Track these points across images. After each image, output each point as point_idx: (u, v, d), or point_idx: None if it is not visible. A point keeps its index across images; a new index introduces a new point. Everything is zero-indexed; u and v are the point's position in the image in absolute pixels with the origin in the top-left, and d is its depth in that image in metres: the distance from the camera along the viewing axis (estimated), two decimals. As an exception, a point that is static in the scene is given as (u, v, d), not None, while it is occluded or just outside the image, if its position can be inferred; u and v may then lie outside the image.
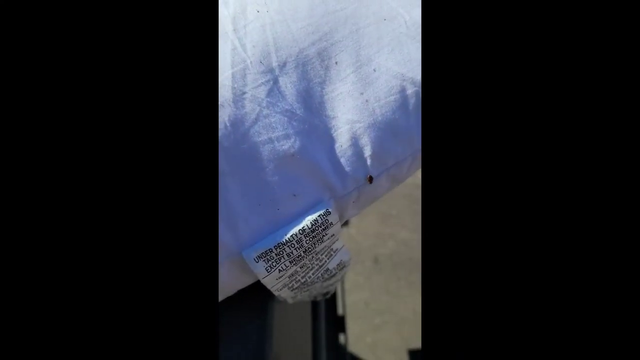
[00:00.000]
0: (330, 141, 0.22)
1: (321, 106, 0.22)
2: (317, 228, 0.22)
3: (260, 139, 0.21)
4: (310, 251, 0.23)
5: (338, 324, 0.96)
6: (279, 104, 0.21)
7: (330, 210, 0.22)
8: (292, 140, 0.21)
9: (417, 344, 1.20)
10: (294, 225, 0.22)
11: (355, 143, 0.22)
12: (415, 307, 1.26)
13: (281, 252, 0.22)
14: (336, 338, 0.90)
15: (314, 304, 0.64)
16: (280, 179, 0.21)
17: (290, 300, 0.29)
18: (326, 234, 0.23)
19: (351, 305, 1.30)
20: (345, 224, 1.09)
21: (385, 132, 0.23)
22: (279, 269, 0.23)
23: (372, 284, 1.34)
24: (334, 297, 0.98)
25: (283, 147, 0.21)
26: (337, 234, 0.24)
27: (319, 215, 0.22)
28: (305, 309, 0.57)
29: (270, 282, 0.23)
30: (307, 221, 0.22)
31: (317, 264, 0.26)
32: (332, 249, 0.26)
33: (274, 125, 0.21)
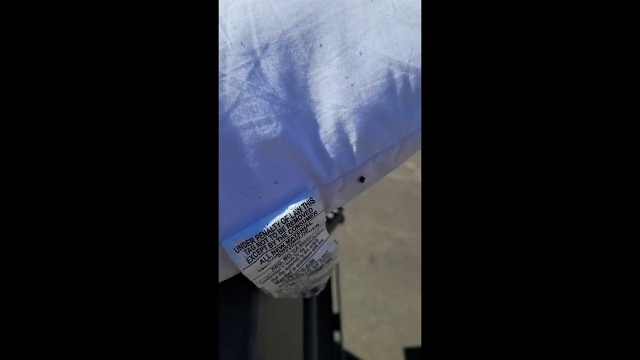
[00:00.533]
0: (314, 127, 0.21)
1: (305, 90, 0.21)
2: (300, 217, 0.21)
3: (240, 123, 0.20)
4: (293, 241, 0.22)
5: (333, 321, 0.95)
6: (260, 87, 0.20)
7: (314, 198, 0.22)
8: (274, 125, 0.21)
9: (412, 342, 1.19)
10: (277, 214, 0.21)
11: (340, 129, 0.22)
12: (411, 306, 1.26)
13: (263, 242, 0.21)
14: (331, 335, 0.89)
15: (306, 300, 0.64)
16: (262, 165, 0.21)
17: (275, 295, 0.28)
18: (310, 224, 0.22)
19: (347, 303, 1.30)
20: (341, 221, 1.08)
21: (372, 117, 0.22)
22: (261, 260, 0.22)
23: (367, 282, 1.33)
24: (329, 294, 0.98)
25: (264, 132, 0.20)
26: (321, 224, 0.23)
27: (302, 204, 0.21)
28: (297, 305, 0.56)
29: (252, 273, 0.22)
30: (290, 210, 0.21)
31: (302, 255, 0.25)
32: (317, 239, 0.25)
33: (254, 109, 0.20)
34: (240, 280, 0.26)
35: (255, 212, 0.21)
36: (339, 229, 1.44)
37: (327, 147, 0.22)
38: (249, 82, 0.20)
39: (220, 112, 0.20)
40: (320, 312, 0.95)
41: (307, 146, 0.21)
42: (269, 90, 0.21)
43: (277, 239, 0.21)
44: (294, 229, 0.22)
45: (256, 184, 0.21)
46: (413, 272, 1.33)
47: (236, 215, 0.21)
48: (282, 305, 0.42)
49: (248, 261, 0.21)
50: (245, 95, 0.20)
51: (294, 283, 0.27)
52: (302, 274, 0.27)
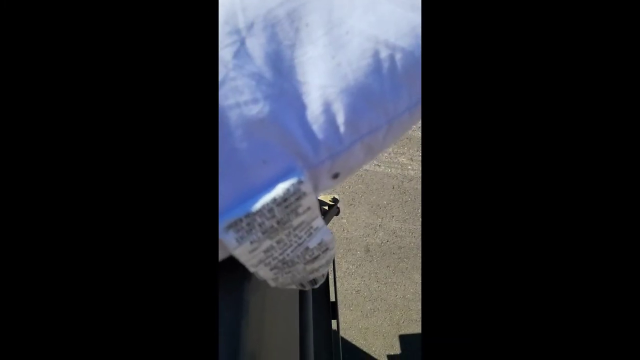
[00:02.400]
0: (301, 107, 0.21)
1: (291, 70, 0.21)
2: (289, 197, 0.22)
3: (227, 102, 0.20)
4: (284, 224, 0.23)
5: (331, 310, 0.96)
6: (246, 66, 0.20)
7: (302, 179, 0.22)
8: (261, 104, 0.21)
9: (407, 329, 1.21)
10: (265, 194, 0.21)
11: (327, 109, 0.22)
12: (405, 294, 1.27)
13: (252, 222, 0.21)
14: (328, 323, 0.90)
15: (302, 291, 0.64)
16: (249, 145, 0.21)
17: (272, 283, 0.28)
18: (300, 205, 0.22)
19: (343, 293, 1.31)
20: (337, 213, 1.09)
21: (359, 97, 0.22)
22: (251, 241, 0.22)
23: (363, 272, 1.34)
24: (326, 283, 0.98)
25: (251, 111, 0.20)
26: (313, 208, 0.24)
27: (291, 184, 0.21)
28: (293, 293, 0.56)
29: (243, 255, 0.22)
30: (279, 189, 0.21)
31: (296, 241, 0.25)
32: (311, 226, 0.25)
33: (241, 88, 0.20)
34: (233, 263, 0.26)
35: (244, 193, 0.21)
36: (335, 222, 1.45)
37: (314, 127, 0.22)
38: (235, 61, 0.20)
39: (207, 92, 0.20)
40: (317, 300, 0.96)
41: (295, 126, 0.21)
42: (255, 70, 0.21)
43: (267, 219, 0.22)
44: (283, 209, 0.22)
45: (244, 163, 0.21)
46: (407, 261, 1.34)
47: (225, 196, 0.21)
48: (277, 293, 0.42)
49: (237, 241, 0.21)
50: (232, 74, 0.20)
51: (289, 271, 0.27)
52: (298, 262, 0.27)
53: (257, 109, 0.20)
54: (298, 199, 0.22)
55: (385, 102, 0.22)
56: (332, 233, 0.26)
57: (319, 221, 0.25)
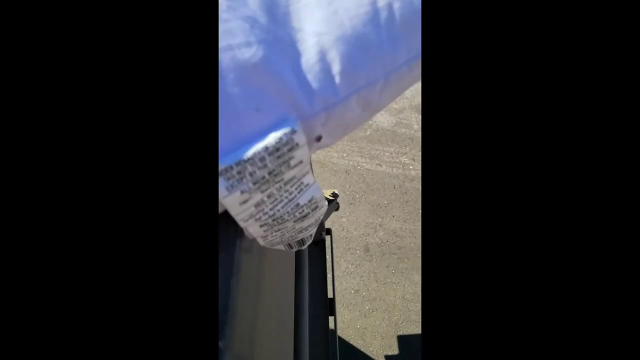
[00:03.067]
0: (296, 54, 0.21)
1: (286, 17, 0.21)
2: (281, 147, 0.21)
3: (219, 45, 0.20)
4: (276, 176, 0.22)
5: (328, 306, 0.95)
6: (240, 9, 0.20)
7: (296, 129, 0.21)
8: (254, 48, 0.20)
9: (405, 330, 1.19)
10: (257, 143, 0.21)
11: (322, 58, 0.21)
12: (404, 295, 1.26)
13: (243, 171, 0.21)
14: (325, 320, 0.89)
15: (299, 274, 0.63)
16: (242, 91, 0.20)
17: (261, 241, 0.27)
18: (292, 157, 0.22)
19: (342, 292, 1.29)
20: (336, 209, 1.08)
21: (355, 47, 0.21)
22: (241, 190, 0.21)
23: (362, 272, 1.33)
24: (324, 278, 0.97)
25: (244, 55, 0.20)
26: (305, 161, 0.23)
27: (283, 133, 0.21)
28: (290, 258, 0.55)
29: (233, 206, 0.22)
30: (271, 138, 0.21)
31: (287, 196, 0.24)
32: (302, 182, 0.25)
33: (234, 31, 0.20)
34: (225, 222, 0.25)
35: (236, 140, 0.21)
36: (335, 220, 1.44)
37: (309, 76, 0.21)
38: (228, 3, 0.20)
39: (199, 33, 0.19)
40: (314, 296, 0.95)
41: (289, 74, 0.21)
42: (249, 13, 0.20)
43: (258, 168, 0.21)
44: (275, 159, 0.21)
45: (236, 110, 0.20)
46: (407, 262, 1.33)
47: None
48: (271, 258, 0.41)
49: (227, 189, 0.21)
50: (224, 16, 0.20)
51: (279, 229, 0.27)
52: (288, 220, 0.26)
53: (251, 53, 0.20)
54: (290, 149, 0.21)
55: (383, 54, 0.22)
56: (322, 190, 0.26)
57: (309, 177, 0.25)
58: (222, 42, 0.20)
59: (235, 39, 0.20)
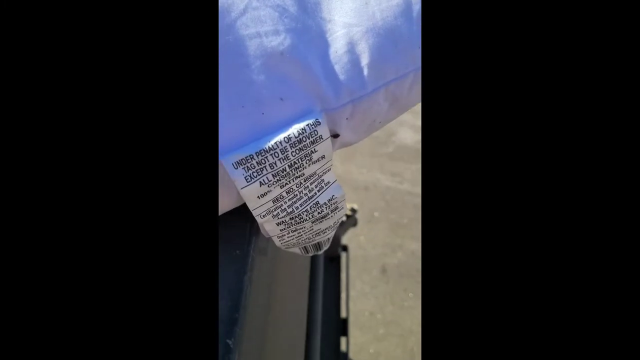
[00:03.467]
0: (324, 45, 0.21)
1: (316, 7, 0.21)
2: (304, 139, 0.20)
3: (247, 32, 0.19)
4: (297, 169, 0.21)
5: (340, 327, 0.92)
6: None
7: (320, 120, 0.20)
8: (282, 37, 0.20)
9: (420, 357, 1.13)
10: (280, 133, 0.20)
11: (351, 49, 0.21)
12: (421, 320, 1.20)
13: (263, 161, 0.20)
14: (337, 341, 0.86)
15: (312, 290, 0.61)
16: (267, 79, 0.20)
17: (277, 242, 0.26)
18: (315, 151, 0.21)
19: (355, 313, 1.25)
20: (354, 224, 1.06)
21: (386, 39, 0.21)
22: (260, 182, 0.20)
23: (378, 293, 1.29)
24: (337, 297, 0.95)
25: (272, 43, 0.20)
26: (327, 156, 0.22)
27: (307, 124, 0.20)
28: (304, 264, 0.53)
29: (251, 198, 0.21)
30: (294, 129, 0.20)
31: (306, 194, 0.23)
32: (322, 179, 0.24)
33: (263, 18, 0.20)
34: (239, 217, 0.25)
35: (258, 130, 0.20)
36: (352, 238, 1.41)
37: (336, 67, 0.21)
38: None
39: (227, 19, 0.19)
40: (327, 316, 0.92)
41: (316, 64, 0.20)
42: (278, 2, 0.20)
43: (279, 159, 0.20)
44: (297, 151, 0.20)
45: (260, 98, 0.20)
46: (426, 285, 1.28)
47: (237, 131, 0.20)
48: (285, 267, 0.40)
49: (247, 180, 0.20)
50: (254, 3, 0.20)
51: (296, 229, 0.26)
52: (306, 219, 0.25)
53: (278, 41, 0.20)
54: (313, 142, 0.21)
55: (413, 47, 0.21)
56: (343, 190, 0.25)
57: (331, 175, 0.24)
58: (250, 29, 0.19)
59: (264, 27, 0.20)
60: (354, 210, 1.00)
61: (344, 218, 1.01)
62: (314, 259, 0.64)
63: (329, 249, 0.97)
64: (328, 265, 0.98)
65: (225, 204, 0.22)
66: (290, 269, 0.47)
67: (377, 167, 1.61)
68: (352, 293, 1.28)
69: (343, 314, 0.93)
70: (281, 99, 0.20)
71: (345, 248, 1.03)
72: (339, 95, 0.21)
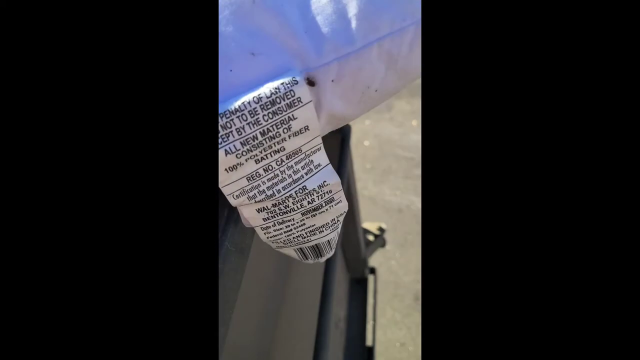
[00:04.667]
0: None
1: None
2: (278, 100, 0.17)
3: (215, -22, 0.17)
4: (273, 139, 0.18)
5: (366, 356, 0.84)
6: None
7: (297, 79, 0.17)
8: None
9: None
10: (249, 93, 0.17)
11: (337, -3, 0.18)
12: (460, 356, 1.08)
13: (229, 125, 0.17)
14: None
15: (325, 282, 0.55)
16: (236, 31, 0.17)
17: (263, 235, 0.23)
18: (293, 117, 0.18)
19: (384, 343, 1.16)
20: (382, 245, 0.99)
21: None
22: (226, 150, 0.17)
23: (410, 323, 1.19)
24: (363, 323, 0.88)
25: None
26: (312, 128, 0.19)
27: (281, 83, 0.17)
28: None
29: (220, 173, 0.18)
30: (266, 88, 0.17)
31: (290, 175, 0.20)
32: (312, 160, 0.20)
33: (233, -37, 0.17)
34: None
35: (225, 89, 0.17)
36: (383, 263, 1.33)
37: (318, 18, 0.18)
38: None
39: (194, -35, 0.17)
40: (351, 346, 0.85)
41: (294, 14, 0.17)
42: None
43: (248, 124, 0.17)
44: (269, 115, 0.17)
45: (228, 53, 0.17)
46: (464, 317, 1.16)
47: (201, 91, 0.17)
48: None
49: (208, 146, 0.17)
50: (224, -53, 0.17)
51: (283, 221, 0.22)
52: (294, 209, 0.21)
53: None
54: (290, 105, 0.17)
55: None
56: (339, 179, 0.21)
57: (321, 157, 0.20)
58: (219, -26, 0.17)
59: (234, -28, 0.17)
60: (382, 230, 0.94)
61: (371, 238, 0.95)
62: (328, 269, 0.59)
63: (355, 268, 0.91)
64: (354, 287, 0.92)
65: None
66: (295, 281, 0.43)
67: (411, 189, 1.54)
68: (381, 321, 1.19)
69: (369, 343, 0.86)
70: (252, 54, 0.17)
71: (373, 270, 0.97)
72: (321, 52, 0.18)
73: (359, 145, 1.78)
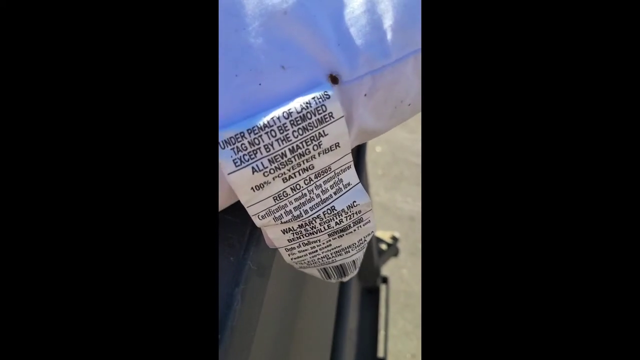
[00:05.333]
0: (338, 3, 0.17)
1: None
2: (309, 115, 0.16)
3: (245, -13, 0.16)
4: (302, 157, 0.17)
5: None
6: None
7: (329, 94, 0.16)
8: None
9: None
10: (279, 108, 0.16)
11: (371, 8, 0.17)
12: (474, 369, 1.05)
13: (257, 141, 0.16)
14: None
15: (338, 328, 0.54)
16: (266, 43, 0.16)
17: (286, 257, 0.22)
18: (324, 134, 0.17)
19: (396, 354, 1.14)
20: (395, 254, 0.98)
21: None
22: (253, 167, 0.17)
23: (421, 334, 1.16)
24: (374, 333, 0.86)
25: (273, 0, 0.16)
26: (343, 145, 0.18)
27: (312, 98, 0.16)
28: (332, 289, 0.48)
29: (242, 188, 0.17)
30: (296, 102, 0.16)
31: (318, 194, 0.19)
32: (341, 179, 0.19)
33: (264, -28, 0.16)
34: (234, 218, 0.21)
35: (254, 104, 0.16)
36: (395, 271, 1.31)
37: (352, 30, 0.17)
38: None
39: (223, -26, 0.16)
40: (361, 356, 0.83)
41: (327, 26, 0.17)
42: None
43: (277, 140, 0.16)
44: (300, 131, 0.16)
45: (257, 66, 0.16)
46: (478, 329, 1.13)
47: (229, 105, 0.16)
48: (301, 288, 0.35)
49: (235, 164, 0.16)
50: (255, -44, 0.17)
51: (309, 242, 0.21)
52: (321, 230, 0.20)
53: None
54: (321, 121, 0.16)
55: None
56: (369, 199, 0.20)
57: (351, 175, 0.19)
58: (249, -16, 0.16)
59: (265, -19, 0.16)
60: (395, 239, 0.92)
61: (384, 247, 0.93)
62: (343, 285, 0.58)
63: (366, 277, 0.89)
64: (365, 296, 0.90)
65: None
66: (309, 292, 0.42)
67: (423, 196, 1.52)
68: (393, 331, 1.17)
69: (380, 354, 0.84)
70: (283, 67, 0.16)
71: (385, 280, 0.95)
72: (355, 65, 0.17)
73: (371, 151, 1.76)
